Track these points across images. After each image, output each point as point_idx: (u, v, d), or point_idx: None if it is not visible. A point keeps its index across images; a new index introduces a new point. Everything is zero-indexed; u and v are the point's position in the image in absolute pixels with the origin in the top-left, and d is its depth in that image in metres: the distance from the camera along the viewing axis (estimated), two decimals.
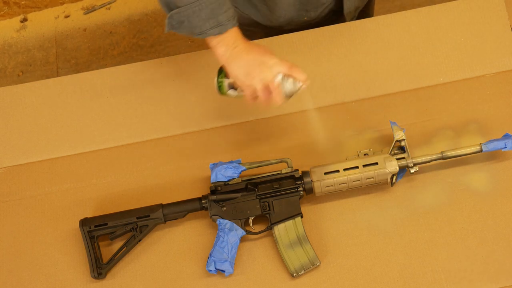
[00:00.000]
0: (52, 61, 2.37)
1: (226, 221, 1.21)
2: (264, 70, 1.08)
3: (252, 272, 1.22)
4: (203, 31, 1.09)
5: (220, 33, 1.09)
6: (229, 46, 1.09)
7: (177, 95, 1.35)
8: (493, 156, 1.26)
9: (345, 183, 1.20)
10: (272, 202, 1.21)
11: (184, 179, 1.29)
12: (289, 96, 1.13)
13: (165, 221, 1.23)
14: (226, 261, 1.18)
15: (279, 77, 1.09)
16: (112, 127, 1.34)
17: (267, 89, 1.10)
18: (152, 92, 1.36)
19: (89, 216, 1.25)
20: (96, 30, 2.38)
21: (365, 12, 1.51)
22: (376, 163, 1.20)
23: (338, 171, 1.20)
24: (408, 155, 1.21)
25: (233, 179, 1.22)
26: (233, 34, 1.10)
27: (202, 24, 1.09)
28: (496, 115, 1.30)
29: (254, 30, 1.42)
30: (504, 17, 1.36)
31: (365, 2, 1.44)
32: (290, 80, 1.11)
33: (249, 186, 1.21)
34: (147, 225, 1.23)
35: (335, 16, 1.40)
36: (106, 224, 1.22)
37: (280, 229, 1.21)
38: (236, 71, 1.10)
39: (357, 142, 1.29)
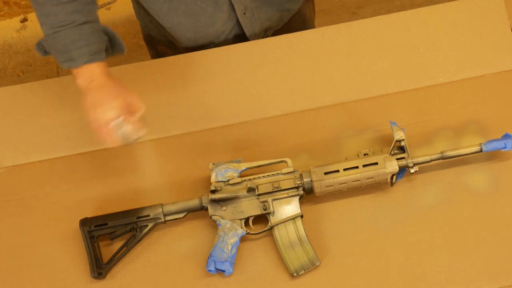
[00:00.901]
0: (52, 61, 2.37)
1: (226, 221, 1.21)
2: (99, 112, 1.10)
3: (252, 272, 1.22)
4: (60, 62, 1.13)
5: (71, 67, 1.12)
6: (84, 79, 1.12)
7: (177, 95, 1.35)
8: (493, 156, 1.26)
9: (345, 183, 1.20)
10: (272, 202, 1.21)
11: (184, 179, 1.29)
12: (128, 141, 1.13)
13: (165, 221, 1.23)
14: (226, 261, 1.18)
15: (117, 121, 1.10)
16: None
17: (102, 129, 1.11)
18: (152, 92, 1.36)
19: (89, 216, 1.25)
20: None
21: (287, 28, 1.48)
22: (376, 163, 1.20)
23: (338, 171, 1.21)
24: (408, 155, 1.21)
25: (233, 179, 1.23)
26: (90, 69, 1.12)
27: (57, 56, 1.13)
28: (496, 115, 1.30)
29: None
30: (504, 17, 1.36)
31: (279, 21, 1.42)
32: (129, 127, 1.11)
33: (249, 186, 1.21)
34: (147, 225, 1.23)
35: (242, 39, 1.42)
36: (106, 224, 1.22)
37: (280, 229, 1.21)
38: (84, 104, 1.12)
39: (357, 142, 1.29)
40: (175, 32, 1.36)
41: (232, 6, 1.32)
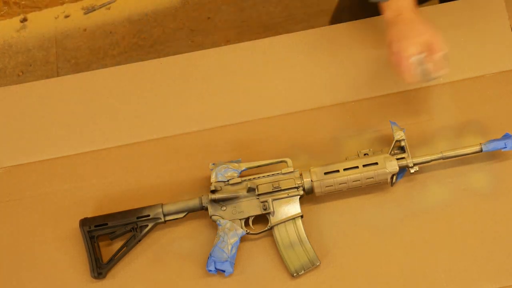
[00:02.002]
0: (52, 61, 2.37)
1: (226, 221, 1.21)
2: (403, 44, 1.13)
3: (252, 272, 1.22)
4: None
5: (380, 0, 1.18)
6: (392, 12, 1.17)
7: (177, 95, 1.35)
8: (493, 156, 1.26)
9: (345, 183, 1.20)
10: (272, 202, 1.21)
11: (184, 179, 1.29)
12: (426, 78, 1.15)
13: (165, 221, 1.23)
14: (226, 261, 1.18)
15: (419, 56, 1.12)
16: (112, 127, 1.34)
17: (402, 62, 1.14)
18: (152, 92, 1.36)
19: (89, 216, 1.25)
20: (96, 30, 2.37)
21: None
22: (376, 163, 1.20)
23: (338, 171, 1.20)
24: (408, 155, 1.21)
25: (233, 179, 1.22)
26: (399, 3, 1.17)
27: None
28: (496, 115, 1.30)
29: None
30: (504, 17, 1.36)
31: None
32: (430, 64, 1.13)
33: (249, 186, 1.21)
34: (147, 225, 1.23)
35: None
36: (106, 224, 1.22)
37: (280, 229, 1.21)
38: (390, 36, 1.17)
39: (357, 142, 1.29)
40: None
41: None
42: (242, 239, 1.22)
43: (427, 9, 1.37)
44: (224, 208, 1.22)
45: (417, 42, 1.13)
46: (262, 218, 1.23)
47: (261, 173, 1.23)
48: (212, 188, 1.22)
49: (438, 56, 1.14)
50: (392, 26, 1.17)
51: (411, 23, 1.16)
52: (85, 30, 2.38)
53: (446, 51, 1.15)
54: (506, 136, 1.21)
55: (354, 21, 1.38)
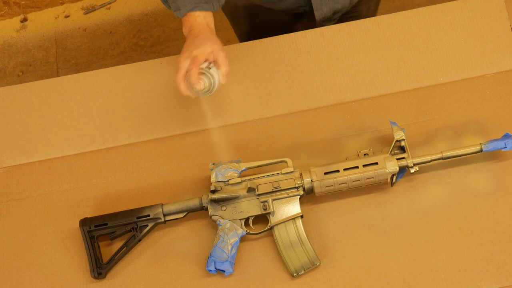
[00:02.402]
0: (52, 61, 2.37)
1: (226, 221, 1.21)
2: (181, 59, 1.15)
3: (252, 272, 1.22)
4: (172, 10, 1.21)
5: (178, 16, 1.19)
6: (187, 28, 1.19)
7: (177, 95, 1.35)
8: (493, 156, 1.26)
9: (345, 183, 1.20)
10: (272, 202, 1.21)
11: (184, 179, 1.29)
12: (210, 87, 1.16)
13: (165, 221, 1.23)
14: (226, 261, 1.18)
15: (205, 65, 1.14)
16: (112, 127, 1.34)
17: (176, 75, 1.15)
18: (152, 92, 1.36)
19: (89, 216, 1.25)
20: (96, 30, 2.38)
21: (353, 15, 1.51)
22: (376, 163, 1.20)
23: (338, 171, 1.21)
24: (408, 155, 1.21)
25: (233, 179, 1.22)
26: (193, 19, 1.18)
27: (171, 5, 1.21)
28: (496, 115, 1.30)
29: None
30: (504, 17, 1.36)
31: (348, 4, 1.43)
32: (217, 72, 1.16)
33: (249, 186, 1.21)
34: (147, 225, 1.23)
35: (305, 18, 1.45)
36: (106, 224, 1.22)
37: (280, 229, 1.21)
38: (184, 46, 1.17)
39: (357, 142, 1.29)
40: None
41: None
42: (242, 239, 1.22)
43: (427, 9, 1.37)
44: (224, 208, 1.22)
45: (189, 56, 1.14)
46: (262, 218, 1.23)
47: (261, 173, 1.23)
48: (212, 188, 1.22)
49: (206, 70, 1.15)
50: (185, 40, 1.19)
51: (196, 38, 1.16)
52: (85, 30, 2.38)
53: (224, 68, 1.16)
54: (506, 136, 1.21)
55: (354, 21, 1.38)
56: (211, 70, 1.16)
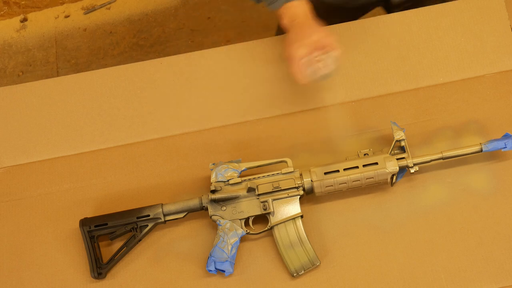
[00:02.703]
0: (52, 61, 2.37)
1: (226, 221, 1.21)
2: (293, 48, 1.18)
3: (252, 272, 1.22)
4: (267, 5, 1.24)
5: (275, 8, 1.23)
6: (288, 18, 1.22)
7: (177, 95, 1.35)
8: (493, 156, 1.26)
9: (345, 183, 1.20)
10: (272, 202, 1.21)
11: (184, 179, 1.29)
12: (316, 79, 1.19)
13: (165, 221, 1.23)
14: (226, 261, 1.18)
15: (308, 58, 1.17)
16: (112, 127, 1.34)
17: (294, 64, 1.18)
18: (152, 92, 1.36)
19: (89, 216, 1.25)
20: (96, 30, 2.37)
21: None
22: (376, 163, 1.20)
23: (338, 171, 1.20)
24: (408, 155, 1.21)
25: (233, 179, 1.22)
26: (293, 9, 1.21)
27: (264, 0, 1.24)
28: (496, 115, 1.30)
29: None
30: (504, 17, 1.36)
31: None
32: (319, 64, 1.17)
33: (249, 186, 1.21)
34: (147, 225, 1.23)
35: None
36: (106, 224, 1.22)
37: (280, 229, 1.21)
38: (287, 41, 1.20)
39: (357, 142, 1.29)
40: None
41: None
42: (242, 239, 1.22)
43: (427, 9, 1.37)
44: (224, 208, 1.22)
45: (306, 44, 1.17)
46: (262, 218, 1.23)
47: (261, 173, 1.23)
48: (212, 188, 1.22)
49: (327, 56, 1.17)
50: (287, 32, 1.22)
51: (303, 27, 1.20)
52: (85, 30, 2.38)
53: (337, 52, 1.18)
54: (506, 136, 1.21)
55: (353, 21, 1.38)
56: (329, 54, 1.18)
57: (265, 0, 1.24)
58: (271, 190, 1.21)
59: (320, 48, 1.17)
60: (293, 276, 1.19)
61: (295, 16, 1.21)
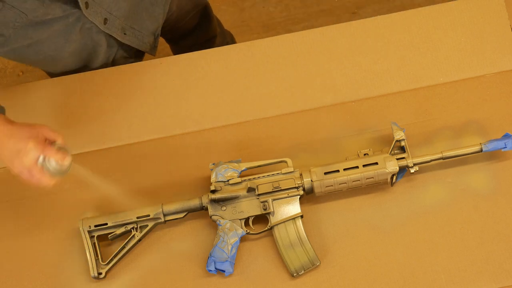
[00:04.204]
0: None
1: (226, 221, 1.21)
2: (22, 158, 1.05)
3: (252, 272, 1.22)
4: None
5: None
6: None
7: (177, 95, 1.35)
8: (493, 156, 1.26)
9: (345, 183, 1.20)
10: (272, 202, 1.21)
11: (184, 179, 1.29)
12: (60, 174, 1.09)
13: (165, 221, 1.23)
14: (226, 261, 1.18)
15: (40, 159, 1.05)
16: (113, 127, 1.34)
17: (32, 173, 1.06)
18: (152, 92, 1.36)
19: (89, 216, 1.25)
20: None
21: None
22: (376, 163, 1.20)
23: (338, 171, 1.21)
24: (408, 155, 1.21)
25: (233, 179, 1.23)
26: None
27: None
28: (496, 115, 1.30)
29: None
30: (504, 17, 1.36)
31: (159, 18, 1.39)
32: (52, 160, 1.06)
33: (249, 186, 1.21)
34: (147, 225, 1.23)
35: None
36: (106, 224, 1.22)
37: (280, 229, 1.21)
38: (4, 159, 1.07)
39: (357, 142, 1.29)
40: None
41: (107, 34, 1.29)
42: (242, 239, 1.22)
43: (427, 9, 1.37)
44: (224, 208, 1.22)
45: (27, 151, 1.04)
46: (262, 218, 1.23)
47: (261, 173, 1.23)
48: (212, 188, 1.22)
49: (55, 149, 1.06)
50: None
51: (10, 137, 1.06)
52: None
53: (60, 140, 1.08)
54: (506, 136, 1.21)
55: (354, 21, 1.38)
56: (58, 143, 1.09)
57: None
58: (271, 190, 1.21)
59: (42, 146, 1.05)
60: (293, 276, 1.19)
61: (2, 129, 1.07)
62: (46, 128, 1.09)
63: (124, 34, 1.32)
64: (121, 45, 1.36)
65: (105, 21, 1.24)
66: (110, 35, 1.30)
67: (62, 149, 1.08)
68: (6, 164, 1.07)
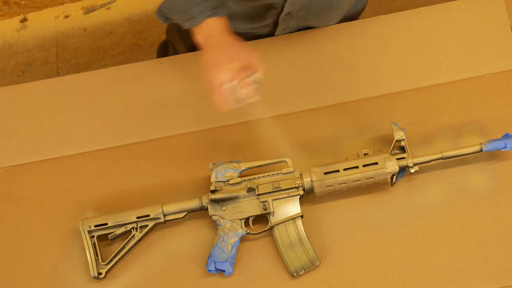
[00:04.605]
0: (52, 61, 2.37)
1: (226, 221, 1.21)
2: (214, 73, 1.06)
3: (252, 272, 1.22)
4: (182, 23, 1.13)
5: (193, 25, 1.10)
6: (203, 35, 1.10)
7: (177, 95, 1.35)
8: (493, 156, 1.26)
9: (345, 183, 1.20)
10: (272, 202, 1.21)
11: (184, 179, 1.29)
12: (240, 104, 1.09)
13: (165, 221, 1.23)
14: (226, 261, 1.18)
15: (231, 84, 1.05)
16: (112, 127, 1.34)
17: (221, 90, 1.07)
18: (152, 92, 1.36)
19: (89, 216, 1.25)
20: (96, 30, 2.37)
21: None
22: (376, 163, 1.20)
23: (338, 171, 1.21)
24: (408, 155, 1.21)
25: (233, 179, 1.22)
26: (210, 25, 1.10)
27: (178, 17, 1.13)
28: (496, 115, 1.30)
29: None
30: (504, 17, 1.36)
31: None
32: (243, 91, 1.06)
33: (249, 186, 1.21)
34: (147, 225, 1.23)
35: None
36: (106, 224, 1.22)
37: (280, 229, 1.21)
38: (203, 62, 1.08)
39: (357, 142, 1.29)
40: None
41: (276, 23, 1.32)
42: (242, 239, 1.22)
43: (427, 9, 1.37)
44: (224, 208, 1.22)
45: (228, 69, 1.05)
46: (262, 218, 1.23)
47: (261, 173, 1.23)
48: (212, 188, 1.22)
49: (251, 80, 1.07)
50: (204, 50, 1.09)
51: (223, 47, 1.08)
52: (85, 30, 2.38)
53: (260, 73, 1.07)
54: (506, 136, 1.21)
55: (354, 21, 1.39)
56: (256, 76, 1.08)
57: (181, 17, 1.12)
58: (271, 190, 1.21)
59: (243, 71, 1.06)
60: (293, 276, 1.19)
61: (211, 33, 1.09)
62: (255, 56, 1.08)
63: (283, 30, 1.36)
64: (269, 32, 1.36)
65: None
66: (277, 24, 1.30)
67: (257, 83, 1.08)
68: (203, 67, 1.07)
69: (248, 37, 1.37)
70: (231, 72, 1.05)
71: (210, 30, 1.10)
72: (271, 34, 1.39)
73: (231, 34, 1.11)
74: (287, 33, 1.38)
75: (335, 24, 1.38)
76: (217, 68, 1.05)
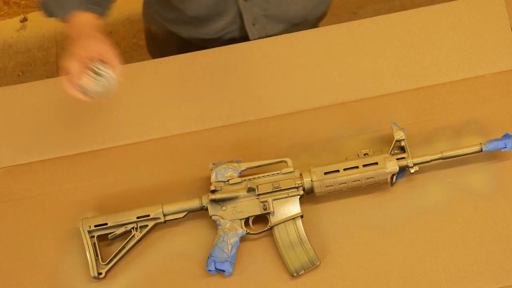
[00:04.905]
0: (52, 61, 2.37)
1: (226, 221, 1.21)
2: (69, 60, 1.12)
3: (252, 272, 1.22)
4: (57, 17, 1.19)
5: (62, 15, 1.18)
6: (75, 30, 1.16)
7: (177, 95, 1.35)
8: (493, 156, 1.26)
9: (345, 183, 1.20)
10: (272, 202, 1.21)
11: (184, 179, 1.29)
12: (86, 94, 1.13)
13: (165, 221, 1.23)
14: (226, 261, 1.18)
15: (77, 72, 1.11)
16: (112, 127, 1.34)
17: (66, 79, 1.13)
18: (152, 92, 1.36)
19: (89, 216, 1.25)
20: None
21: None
22: (376, 163, 1.20)
23: (338, 171, 1.21)
24: (408, 155, 1.21)
25: (233, 179, 1.23)
26: (82, 21, 1.16)
27: (54, 9, 1.19)
28: (496, 115, 1.30)
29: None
30: (504, 17, 1.36)
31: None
32: (88, 80, 1.11)
33: (249, 186, 1.21)
34: (147, 225, 1.23)
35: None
36: (106, 224, 1.22)
37: (280, 229, 1.21)
38: (69, 53, 1.13)
39: (357, 142, 1.29)
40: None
41: (240, 14, 1.33)
42: (242, 239, 1.22)
43: (427, 9, 1.37)
44: (224, 208, 1.22)
45: (81, 57, 1.10)
46: (262, 218, 1.23)
47: (261, 173, 1.23)
48: (212, 188, 1.22)
49: (103, 73, 1.11)
50: (72, 44, 1.14)
51: (85, 40, 1.13)
52: None
53: (117, 69, 1.12)
54: (506, 136, 1.21)
55: (354, 21, 1.39)
56: (106, 70, 1.11)
57: (56, 12, 1.18)
58: (271, 190, 1.21)
59: (90, 62, 1.10)
60: (293, 276, 1.19)
61: (82, 29, 1.15)
62: (114, 53, 1.12)
63: (253, 25, 1.38)
64: (239, 30, 1.40)
65: None
66: (241, 14, 1.34)
67: (104, 79, 1.12)
68: (68, 55, 1.12)
69: (222, 41, 1.39)
70: (83, 60, 1.10)
71: (81, 26, 1.16)
72: (244, 36, 1.41)
73: (100, 33, 1.15)
74: (263, 37, 1.40)
75: (333, 25, 1.38)
76: (71, 57, 1.11)
